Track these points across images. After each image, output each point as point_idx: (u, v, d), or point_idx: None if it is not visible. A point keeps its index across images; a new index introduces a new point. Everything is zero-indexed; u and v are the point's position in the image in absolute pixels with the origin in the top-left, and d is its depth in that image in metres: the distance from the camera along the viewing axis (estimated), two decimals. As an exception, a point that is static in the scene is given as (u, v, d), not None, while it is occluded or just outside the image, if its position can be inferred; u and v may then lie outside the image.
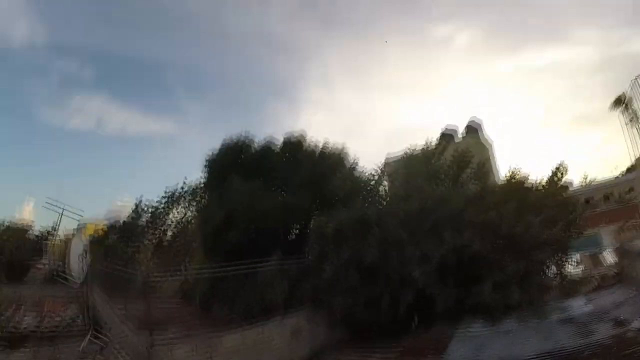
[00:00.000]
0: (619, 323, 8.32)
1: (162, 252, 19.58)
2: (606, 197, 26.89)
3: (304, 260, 10.48)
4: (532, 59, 77.58)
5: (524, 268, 9.83)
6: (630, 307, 9.17)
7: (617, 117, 17.78)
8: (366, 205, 9.77)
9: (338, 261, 9.68)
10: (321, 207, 11.75)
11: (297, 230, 12.46)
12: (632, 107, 17.01)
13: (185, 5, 74.92)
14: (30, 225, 34.02)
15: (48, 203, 30.38)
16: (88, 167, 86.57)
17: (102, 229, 24.05)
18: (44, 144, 78.75)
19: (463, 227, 9.58)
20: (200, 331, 12.42)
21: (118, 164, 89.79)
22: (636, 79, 16.94)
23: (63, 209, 31.56)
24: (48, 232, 35.01)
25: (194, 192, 15.19)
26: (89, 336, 10.88)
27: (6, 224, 28.91)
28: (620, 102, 17.29)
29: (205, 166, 13.00)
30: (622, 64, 69.06)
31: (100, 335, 11.24)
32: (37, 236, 33.63)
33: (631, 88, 16.90)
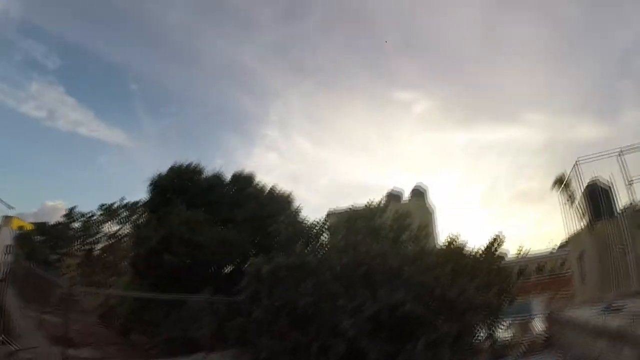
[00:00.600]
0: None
1: (89, 263, 18.27)
2: (539, 269, 28.59)
3: (235, 299, 10.05)
4: (482, 135, 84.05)
5: (456, 330, 10.01)
6: None
7: (556, 196, 19.22)
8: (305, 252, 9.66)
9: (270, 304, 9.37)
10: (260, 247, 11.53)
11: (233, 267, 12.09)
12: (571, 188, 18.44)
13: (164, 20, 74.90)
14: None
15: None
16: (27, 156, 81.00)
17: (29, 227, 22.17)
18: (-11, 121, 72.95)
19: (399, 285, 9.65)
20: (116, 356, 11.42)
21: (58, 162, 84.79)
22: (577, 162, 18.36)
23: (-6, 198, 28.98)
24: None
25: (132, 209, 14.49)
26: (-2, 339, 9.63)
27: None
28: (561, 182, 18.69)
29: (150, 185, 12.49)
30: (565, 148, 76.41)
31: (9, 341, 10.01)
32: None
33: (572, 170, 18.34)
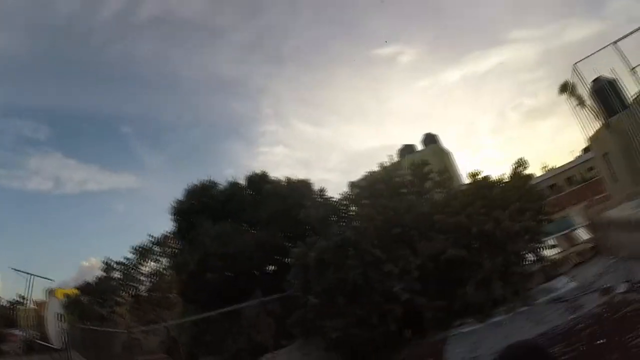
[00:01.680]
0: (604, 291, 8.48)
1: (139, 307, 18.77)
2: (568, 180, 28.14)
3: (286, 294, 10.23)
4: (475, 67, 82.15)
5: (501, 262, 10.02)
6: (612, 274, 9.37)
7: (565, 104, 18.73)
8: (340, 228, 9.72)
9: (322, 288, 9.51)
10: (295, 238, 11.60)
11: (274, 265, 12.26)
12: (578, 92, 17.95)
13: (133, 55, 75.02)
14: (-4, 295, 31.95)
15: (15, 270, 28.63)
16: (50, 229, 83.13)
17: (73, 292, 22.86)
18: (2, 207, 75.04)
19: (434, 234, 9.67)
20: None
21: (80, 224, 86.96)
22: (576, 65, 17.88)
23: (32, 276, 29.83)
24: (17, 301, 32.93)
25: (163, 242, 14.82)
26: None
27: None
28: (566, 88, 18.20)
29: (172, 214, 12.73)
30: (561, 55, 74.25)
31: None
32: (6, 306, 31.53)
33: (572, 75, 17.86)
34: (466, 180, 11.76)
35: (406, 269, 9.52)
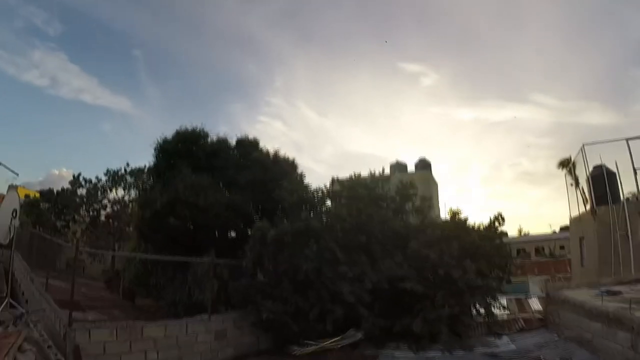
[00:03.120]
0: (538, 363, 8.60)
1: (95, 230, 18.52)
2: (537, 250, 28.91)
3: (238, 263, 10.20)
4: (488, 113, 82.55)
5: (456, 310, 10.06)
6: (552, 349, 9.52)
7: (560, 179, 19.13)
8: (309, 218, 9.69)
9: (274, 268, 9.51)
10: (264, 212, 11.60)
11: (236, 232, 12.18)
12: (575, 172, 18.31)
13: None
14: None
15: (-17, 154, 27.77)
16: (32, 125, 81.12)
17: (34, 195, 22.38)
18: (-8, 90, 72.36)
19: (399, 256, 9.71)
20: (122, 318, 11.75)
21: (64, 130, 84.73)
22: (584, 145, 18.20)
23: (-1, 164, 28.97)
24: (-26, 186, 32.02)
25: (138, 174, 14.51)
26: (5, 303, 9.86)
27: None
28: (566, 164, 18.57)
29: (155, 150, 12.47)
30: (571, 132, 75.68)
31: (16, 305, 10.26)
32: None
33: (578, 154, 18.19)
34: (445, 214, 11.86)
35: (360, 278, 9.60)
